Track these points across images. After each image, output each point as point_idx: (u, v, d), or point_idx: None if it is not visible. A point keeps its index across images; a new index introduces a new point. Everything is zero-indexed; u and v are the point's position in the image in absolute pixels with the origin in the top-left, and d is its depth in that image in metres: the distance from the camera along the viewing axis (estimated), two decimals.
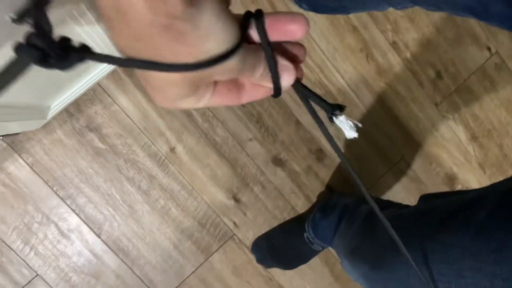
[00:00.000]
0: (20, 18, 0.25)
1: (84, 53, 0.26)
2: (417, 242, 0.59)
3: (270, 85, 0.30)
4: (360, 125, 0.34)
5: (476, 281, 0.48)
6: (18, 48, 0.24)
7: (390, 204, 0.86)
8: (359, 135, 0.33)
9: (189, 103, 0.28)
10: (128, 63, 0.26)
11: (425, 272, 0.55)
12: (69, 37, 0.25)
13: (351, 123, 0.33)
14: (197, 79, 0.26)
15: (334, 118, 0.33)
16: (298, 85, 0.32)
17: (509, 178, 0.60)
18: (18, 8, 0.25)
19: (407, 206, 0.81)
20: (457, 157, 1.20)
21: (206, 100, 0.28)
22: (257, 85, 0.30)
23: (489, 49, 1.19)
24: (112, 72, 0.97)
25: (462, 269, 0.50)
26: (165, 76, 0.25)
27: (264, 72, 0.29)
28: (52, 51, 0.24)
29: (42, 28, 0.26)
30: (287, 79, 0.30)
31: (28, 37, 0.24)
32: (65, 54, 0.25)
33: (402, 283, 0.61)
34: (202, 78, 0.26)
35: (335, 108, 0.33)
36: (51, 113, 0.84)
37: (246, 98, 0.30)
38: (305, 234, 1.03)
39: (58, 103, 0.84)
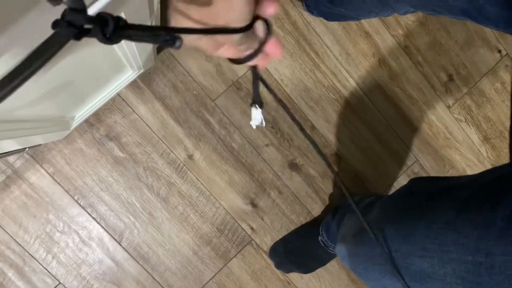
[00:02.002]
0: None
1: (124, 29, 0.28)
2: (401, 219, 0.61)
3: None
4: (263, 124, 0.46)
5: (459, 255, 0.49)
6: (55, 24, 0.26)
7: None
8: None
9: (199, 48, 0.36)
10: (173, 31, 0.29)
11: (407, 248, 0.57)
12: (107, 12, 0.27)
13: (261, 117, 0.46)
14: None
15: (253, 107, 0.45)
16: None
17: (500, 166, 0.61)
18: None
19: None
20: (470, 158, 1.21)
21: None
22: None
23: (499, 51, 1.21)
24: (132, 82, 0.99)
25: (445, 243, 0.51)
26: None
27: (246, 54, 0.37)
28: (85, 23, 0.27)
29: (75, 5, 0.29)
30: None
31: (63, 14, 0.26)
32: (102, 29, 0.27)
33: (382, 256, 0.62)
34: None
35: (258, 102, 0.45)
36: (75, 124, 0.85)
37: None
38: (319, 237, 1.05)
39: (81, 114, 0.85)
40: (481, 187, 0.53)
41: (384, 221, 0.65)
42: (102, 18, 0.27)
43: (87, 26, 0.27)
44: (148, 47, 0.70)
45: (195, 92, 1.04)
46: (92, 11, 0.36)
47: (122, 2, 0.38)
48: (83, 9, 0.28)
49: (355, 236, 0.72)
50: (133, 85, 1.00)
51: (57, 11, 0.27)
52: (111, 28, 0.27)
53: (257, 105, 0.45)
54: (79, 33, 0.27)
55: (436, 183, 0.67)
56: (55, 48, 0.28)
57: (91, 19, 0.27)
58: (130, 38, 0.28)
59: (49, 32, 0.27)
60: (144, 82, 1.01)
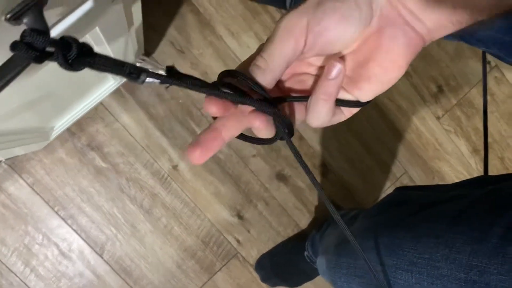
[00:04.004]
0: (14, 18, 0.26)
1: (89, 56, 0.25)
2: (387, 230, 0.58)
3: None
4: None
5: (451, 272, 0.46)
6: (14, 46, 0.24)
7: None
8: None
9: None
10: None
11: (393, 261, 0.54)
12: (71, 36, 0.25)
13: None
14: None
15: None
16: None
17: (489, 179, 0.60)
18: (14, 8, 0.25)
19: None
20: (459, 170, 1.20)
21: None
22: None
23: (489, 62, 1.20)
24: (115, 90, 0.96)
25: (435, 259, 0.48)
26: None
27: None
28: (47, 46, 0.24)
29: (37, 26, 0.26)
30: None
31: (23, 35, 0.24)
32: (64, 53, 0.25)
33: (365, 268, 0.59)
34: None
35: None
36: (55, 134, 0.82)
37: None
38: (305, 252, 1.02)
39: (62, 124, 0.83)
40: (473, 201, 0.51)
41: (367, 231, 0.62)
42: (65, 42, 0.25)
43: (49, 49, 0.25)
44: (129, 57, 0.68)
45: (180, 101, 1.02)
46: (65, 25, 0.33)
47: (96, 17, 0.36)
48: (45, 31, 0.26)
49: (338, 247, 0.69)
50: (116, 93, 0.98)
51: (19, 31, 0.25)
52: (74, 54, 0.25)
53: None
54: (40, 57, 0.25)
55: (423, 193, 0.65)
56: (15, 72, 0.26)
57: (53, 42, 0.24)
58: (92, 66, 0.26)
59: (9, 54, 0.25)
60: (128, 90, 0.99)
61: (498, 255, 0.42)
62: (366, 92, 0.34)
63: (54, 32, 0.32)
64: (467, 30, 0.49)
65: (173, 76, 0.28)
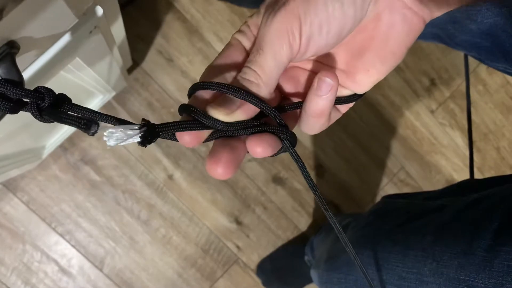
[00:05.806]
0: None
1: (63, 106, 0.25)
2: (375, 244, 0.57)
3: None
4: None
5: (440, 286, 0.45)
6: None
7: None
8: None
9: None
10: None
11: (382, 276, 0.53)
12: (45, 87, 0.24)
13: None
14: None
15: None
16: None
17: (474, 185, 0.59)
18: None
19: None
20: (456, 162, 1.20)
21: None
22: None
23: None
24: (106, 103, 0.96)
25: (424, 274, 0.48)
26: None
27: None
28: (22, 97, 0.24)
29: (10, 76, 0.26)
30: None
31: None
32: (38, 104, 0.24)
33: (356, 284, 0.58)
34: None
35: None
36: (46, 152, 0.82)
37: None
38: (305, 257, 1.02)
39: (53, 142, 0.82)
40: (458, 212, 0.51)
41: (356, 245, 0.61)
42: (39, 93, 0.24)
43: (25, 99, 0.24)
44: (115, 73, 0.67)
45: (172, 110, 1.01)
46: (40, 63, 0.32)
47: (75, 49, 0.35)
48: (19, 81, 0.25)
49: (327, 262, 0.68)
50: (107, 106, 0.97)
51: None
52: (46, 105, 0.24)
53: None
54: (14, 107, 0.24)
55: (410, 202, 0.64)
56: None
57: (28, 93, 0.24)
58: (60, 120, 0.25)
59: None
60: (118, 102, 0.98)
61: (485, 268, 0.41)
62: (363, 84, 0.31)
63: (30, 71, 0.31)
64: (447, 33, 0.49)
65: (150, 131, 0.26)
